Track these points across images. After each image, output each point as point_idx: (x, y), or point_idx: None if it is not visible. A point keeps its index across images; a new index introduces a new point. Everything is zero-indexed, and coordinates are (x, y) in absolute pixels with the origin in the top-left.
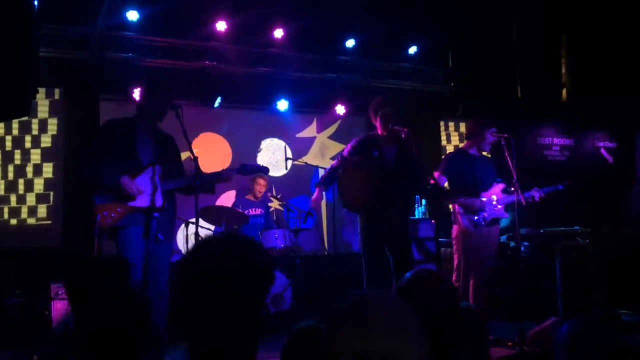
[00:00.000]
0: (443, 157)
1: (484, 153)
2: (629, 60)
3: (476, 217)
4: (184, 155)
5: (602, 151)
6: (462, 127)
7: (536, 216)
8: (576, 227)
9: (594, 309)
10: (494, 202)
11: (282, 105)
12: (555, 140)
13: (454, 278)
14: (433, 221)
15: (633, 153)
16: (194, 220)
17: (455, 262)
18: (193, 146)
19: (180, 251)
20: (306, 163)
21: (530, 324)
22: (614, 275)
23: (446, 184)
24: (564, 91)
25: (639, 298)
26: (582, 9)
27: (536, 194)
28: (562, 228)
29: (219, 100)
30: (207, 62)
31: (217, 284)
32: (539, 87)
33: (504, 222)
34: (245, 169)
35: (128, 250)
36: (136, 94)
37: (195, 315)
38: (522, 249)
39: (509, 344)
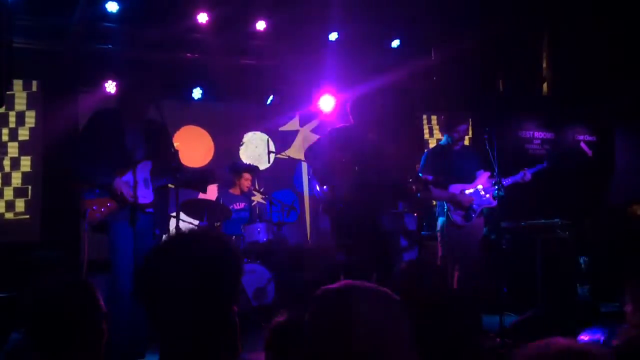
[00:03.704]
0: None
1: (465, 143)
2: (609, 56)
3: (468, 211)
4: None
5: (582, 145)
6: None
7: (517, 209)
8: (556, 220)
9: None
10: (482, 192)
11: (269, 100)
12: (536, 134)
13: None
14: (415, 215)
15: (612, 147)
16: (174, 214)
17: (440, 253)
18: (174, 139)
19: None
20: (289, 157)
21: (511, 315)
22: (596, 266)
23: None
24: (545, 85)
25: (620, 289)
26: (564, 4)
27: (527, 174)
28: (542, 221)
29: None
30: (188, 54)
31: (180, 280)
32: (520, 81)
33: (485, 213)
34: (236, 167)
35: (119, 247)
36: (109, 86)
37: (163, 317)
38: (503, 241)
39: (490, 335)
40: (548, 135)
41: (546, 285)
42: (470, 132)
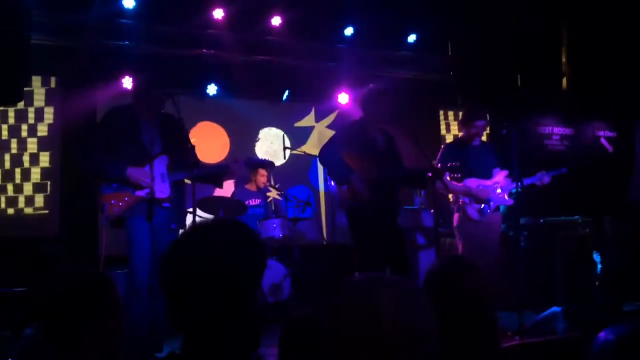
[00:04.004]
0: (441, 146)
1: (483, 139)
2: (628, 50)
3: (483, 206)
4: None
5: (602, 140)
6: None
7: (536, 206)
8: (576, 217)
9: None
10: (498, 190)
11: (285, 95)
12: (555, 130)
13: None
14: (432, 211)
15: (633, 143)
16: (191, 210)
17: (461, 252)
18: (190, 135)
19: None
20: (305, 152)
21: (530, 314)
22: (617, 264)
23: (448, 178)
24: (564, 80)
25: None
26: None
27: (545, 177)
28: (562, 218)
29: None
30: (204, 50)
31: (206, 272)
32: (539, 77)
33: (502, 210)
34: (251, 162)
35: (136, 241)
36: (125, 82)
37: (187, 304)
38: (522, 238)
39: (509, 333)
40: (567, 131)
41: (566, 283)
42: (487, 128)
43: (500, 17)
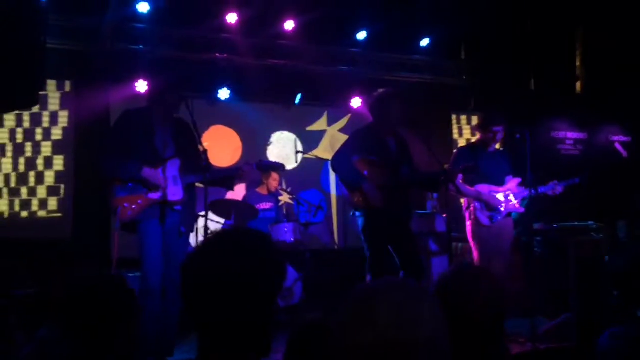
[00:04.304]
0: (454, 150)
1: (497, 146)
2: None
3: (493, 212)
4: None
5: (617, 145)
6: (474, 121)
7: (549, 211)
8: (590, 223)
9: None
10: (510, 197)
11: (297, 99)
12: (569, 134)
13: None
14: (444, 215)
15: None
16: (203, 213)
17: (476, 258)
18: (203, 139)
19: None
20: (317, 157)
21: (543, 320)
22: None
23: (461, 181)
24: (578, 84)
25: None
26: (598, 2)
27: (558, 187)
28: (575, 223)
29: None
30: (217, 54)
31: (228, 280)
32: (553, 81)
33: (514, 216)
34: (263, 165)
35: (149, 244)
36: (139, 86)
37: (206, 312)
38: (535, 244)
39: (521, 340)
40: (581, 135)
41: (579, 289)
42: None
43: (513, 21)
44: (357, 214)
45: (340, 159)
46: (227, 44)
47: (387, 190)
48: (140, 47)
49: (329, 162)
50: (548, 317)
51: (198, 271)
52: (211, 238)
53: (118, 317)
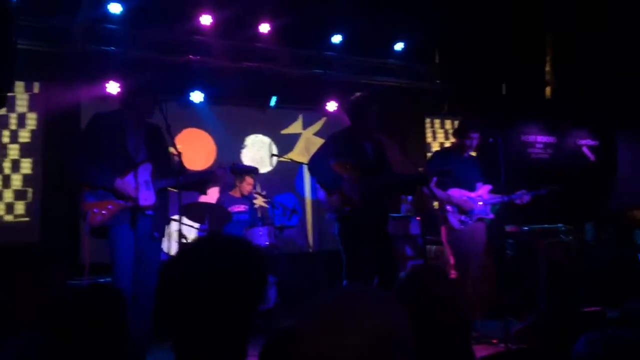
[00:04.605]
0: (430, 154)
1: (472, 153)
2: (611, 60)
3: (464, 216)
4: None
5: (584, 149)
6: (448, 124)
7: (520, 214)
8: (560, 225)
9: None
10: (480, 203)
11: (272, 101)
12: (539, 138)
13: (453, 276)
14: (418, 218)
15: (614, 151)
16: (176, 217)
17: (452, 261)
18: (176, 142)
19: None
20: (291, 160)
21: (514, 321)
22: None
23: (434, 184)
24: (548, 89)
25: (620, 293)
26: (567, 8)
27: (525, 196)
28: (545, 225)
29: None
30: (191, 56)
31: (208, 286)
32: (523, 86)
33: (488, 220)
34: (237, 169)
35: (120, 249)
36: (110, 87)
37: (183, 318)
38: (507, 246)
39: (494, 341)
40: (551, 139)
41: (550, 290)
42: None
43: (486, 26)
44: (334, 217)
45: (317, 161)
46: (201, 46)
47: (365, 193)
48: (112, 48)
49: (305, 166)
50: (519, 318)
51: (177, 277)
52: (191, 243)
53: (111, 331)
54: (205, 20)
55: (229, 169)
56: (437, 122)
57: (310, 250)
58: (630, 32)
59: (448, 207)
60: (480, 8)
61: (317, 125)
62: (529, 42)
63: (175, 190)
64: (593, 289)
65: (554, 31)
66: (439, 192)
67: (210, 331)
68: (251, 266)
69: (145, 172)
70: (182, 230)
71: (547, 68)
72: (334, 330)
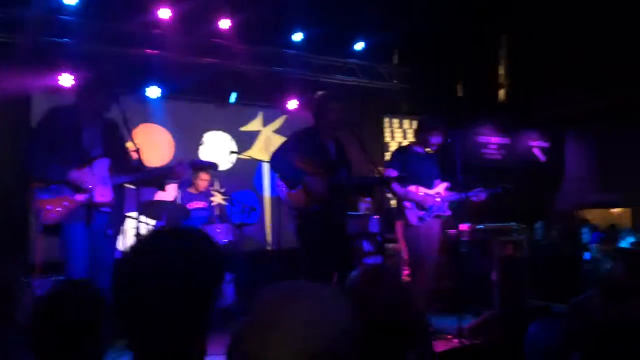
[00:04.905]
0: (391, 152)
1: (428, 150)
2: (563, 63)
3: (422, 213)
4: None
5: (535, 150)
6: (406, 124)
7: (475, 212)
8: (512, 224)
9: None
10: (438, 200)
11: (232, 97)
12: (492, 139)
13: (406, 273)
14: (377, 217)
15: (563, 153)
16: (131, 214)
17: (406, 257)
18: (133, 137)
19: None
20: (251, 157)
21: (469, 317)
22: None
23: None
24: (502, 92)
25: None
26: (521, 11)
27: (482, 194)
28: (499, 224)
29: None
30: (148, 50)
31: (164, 281)
32: (478, 88)
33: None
34: (196, 164)
35: (73, 248)
36: (63, 79)
37: (140, 315)
38: (461, 243)
39: (448, 336)
40: (504, 140)
41: (501, 286)
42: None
43: (444, 28)
44: (294, 214)
45: (280, 157)
46: (159, 39)
47: (325, 190)
48: (66, 40)
49: (265, 163)
50: (473, 313)
51: (132, 272)
52: (146, 237)
53: (86, 331)
54: (164, 13)
55: (189, 165)
56: (395, 121)
57: (269, 248)
58: (582, 35)
59: (407, 204)
60: (438, 10)
61: (277, 123)
62: (484, 44)
63: (133, 186)
64: (540, 286)
65: (508, 34)
66: (398, 188)
67: (167, 328)
68: (208, 259)
69: (102, 167)
70: (138, 228)
71: (501, 70)
72: (268, 327)
